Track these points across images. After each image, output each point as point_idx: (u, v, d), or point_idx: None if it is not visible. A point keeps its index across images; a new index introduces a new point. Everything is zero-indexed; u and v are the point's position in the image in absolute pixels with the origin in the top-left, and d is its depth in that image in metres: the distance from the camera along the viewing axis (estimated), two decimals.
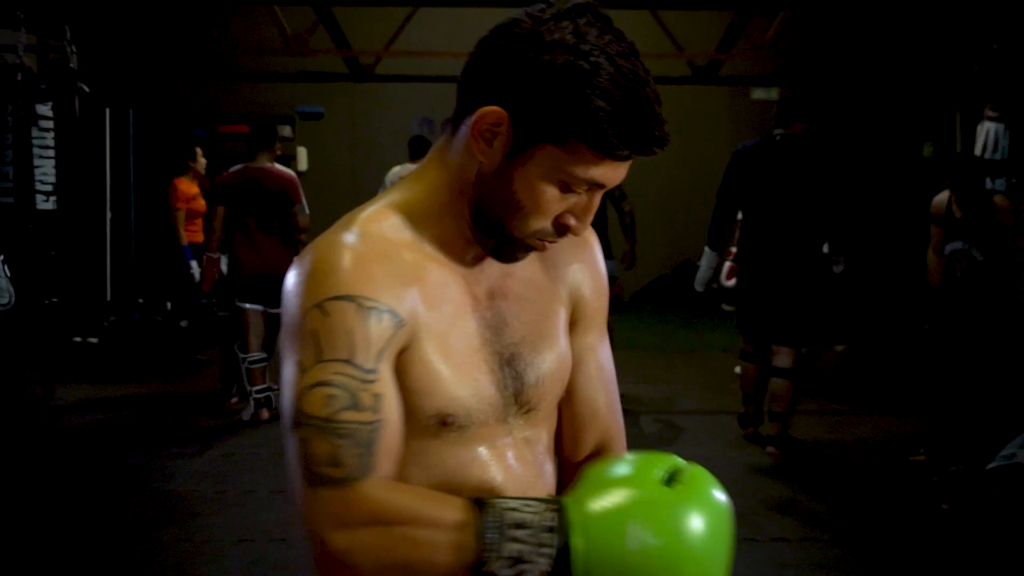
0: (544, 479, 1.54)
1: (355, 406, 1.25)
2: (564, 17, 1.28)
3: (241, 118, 12.20)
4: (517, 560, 1.18)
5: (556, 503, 1.23)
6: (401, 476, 1.34)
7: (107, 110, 10.66)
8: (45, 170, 7.50)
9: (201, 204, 8.91)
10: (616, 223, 7.70)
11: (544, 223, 1.35)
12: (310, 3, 11.91)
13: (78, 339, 10.30)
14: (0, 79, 8.13)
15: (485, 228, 1.39)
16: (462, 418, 1.36)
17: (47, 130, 7.50)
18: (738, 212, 6.73)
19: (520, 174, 1.32)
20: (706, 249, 6.87)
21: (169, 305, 9.95)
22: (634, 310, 12.63)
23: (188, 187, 9.04)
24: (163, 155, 11.20)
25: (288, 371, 1.29)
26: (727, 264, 8.36)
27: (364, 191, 12.24)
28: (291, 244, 7.11)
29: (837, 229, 6.77)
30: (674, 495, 1.21)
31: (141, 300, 11.11)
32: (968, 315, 5.91)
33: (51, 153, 7.52)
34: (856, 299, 10.63)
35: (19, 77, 7.54)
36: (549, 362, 1.47)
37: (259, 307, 7.12)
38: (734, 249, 7.34)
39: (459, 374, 1.37)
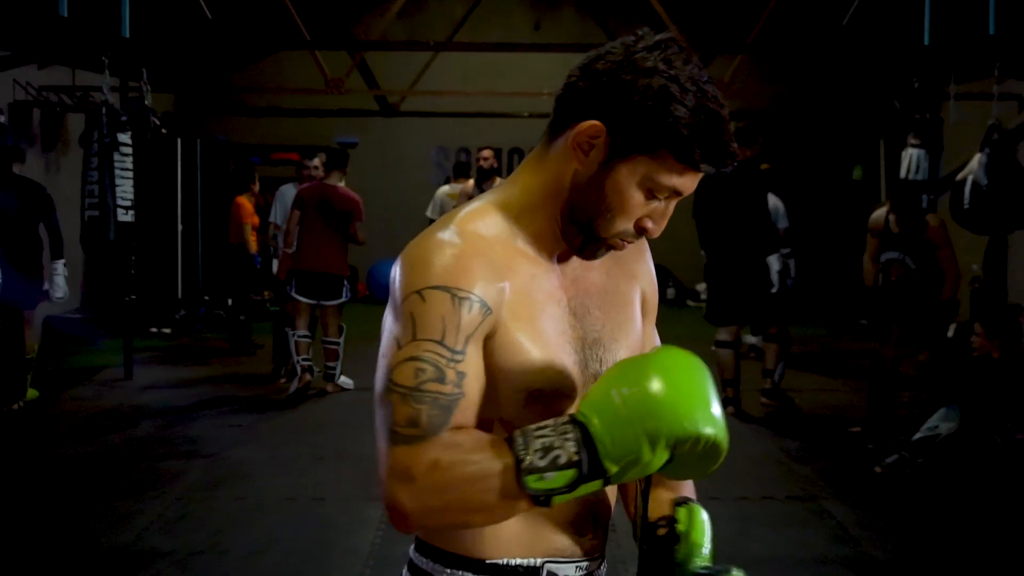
0: None
1: (440, 379, 1.22)
2: (654, 48, 1.27)
3: (290, 147, 12.19)
4: (547, 448, 1.13)
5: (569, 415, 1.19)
6: None
7: (178, 139, 10.68)
8: (125, 189, 7.49)
9: (256, 219, 8.85)
10: None
11: (627, 225, 1.32)
12: (346, 50, 11.97)
13: (154, 329, 10.31)
14: (89, 113, 8.36)
15: (575, 227, 1.35)
16: (548, 392, 1.32)
17: (126, 155, 7.49)
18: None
19: (612, 180, 1.29)
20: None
21: (230, 301, 9.85)
22: None
23: (249, 205, 8.94)
24: (224, 177, 11.23)
25: (386, 344, 1.26)
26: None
27: (391, 204, 12.46)
28: (345, 251, 7.20)
29: (783, 240, 6.87)
30: (643, 359, 1.19)
31: (206, 297, 11.16)
32: (901, 312, 5.88)
33: (130, 175, 7.52)
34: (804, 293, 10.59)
35: (104, 111, 7.52)
36: (625, 348, 1.44)
37: (311, 301, 7.10)
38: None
39: (547, 354, 1.32)
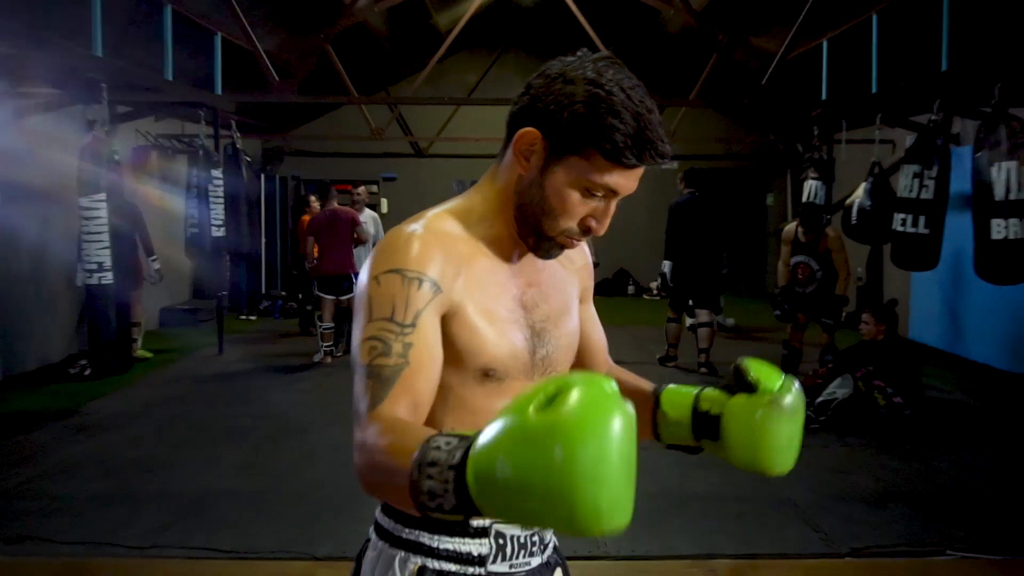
0: None
1: (387, 353, 1.02)
2: (588, 61, 1.08)
3: (345, 181, 12.02)
4: (432, 495, 0.82)
5: (468, 441, 0.82)
6: (453, 419, 1.13)
7: (262, 174, 10.58)
8: (216, 212, 7.35)
9: None
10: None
11: (570, 223, 1.12)
12: (387, 106, 11.89)
13: (242, 317, 10.15)
14: (191, 155, 8.23)
15: (526, 229, 1.15)
16: (500, 372, 1.13)
17: (218, 187, 7.37)
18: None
19: (550, 182, 1.10)
20: (665, 260, 6.99)
21: (300, 296, 9.71)
22: None
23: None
24: (294, 203, 11.25)
25: (353, 331, 1.08)
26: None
27: None
28: (351, 254, 7.25)
29: (726, 248, 7.06)
30: (541, 419, 0.74)
31: (283, 292, 11.04)
32: (807, 304, 5.73)
33: (220, 201, 7.40)
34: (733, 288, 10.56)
35: (201, 153, 7.40)
36: (566, 336, 1.24)
37: (331, 297, 7.19)
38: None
39: (500, 337, 1.12)
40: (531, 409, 0.75)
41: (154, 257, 7.25)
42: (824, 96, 7.25)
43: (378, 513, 1.22)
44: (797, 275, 5.71)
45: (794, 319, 5.96)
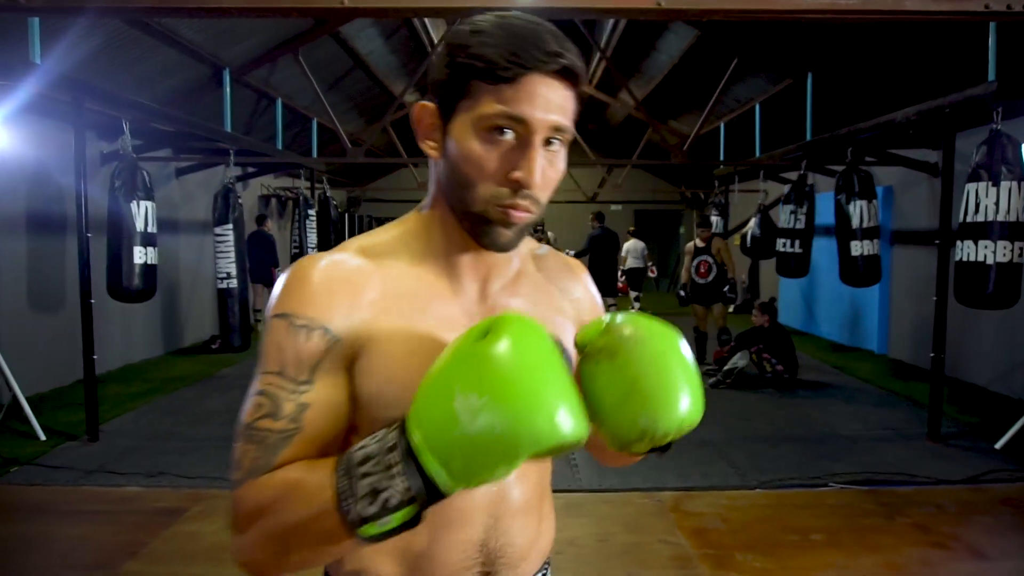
0: (541, 491, 0.70)
1: (274, 415, 0.56)
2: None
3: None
4: (374, 492, 0.47)
5: (398, 421, 0.49)
6: None
7: (346, 215, 10.25)
8: (312, 240, 7.05)
9: None
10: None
11: (491, 185, 0.58)
12: (428, 166, 11.44)
13: None
14: (295, 201, 7.87)
15: (461, 219, 0.61)
16: None
17: (311, 222, 7.06)
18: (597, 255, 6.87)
19: (454, 146, 0.59)
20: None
21: None
22: None
23: None
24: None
25: None
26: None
27: None
28: None
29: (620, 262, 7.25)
30: (486, 342, 0.47)
31: None
32: (708, 291, 5.29)
33: (314, 231, 7.07)
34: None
35: (302, 199, 7.08)
36: None
37: None
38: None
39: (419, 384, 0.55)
40: (469, 343, 0.48)
41: (280, 268, 7.01)
42: (722, 158, 6.88)
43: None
44: (700, 270, 5.30)
45: (696, 310, 5.45)
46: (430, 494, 0.47)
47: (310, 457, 0.55)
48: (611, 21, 6.61)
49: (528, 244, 0.71)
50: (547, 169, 0.58)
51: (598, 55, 7.50)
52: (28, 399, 3.60)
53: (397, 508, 0.47)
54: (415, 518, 0.48)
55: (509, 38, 0.55)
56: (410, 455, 0.47)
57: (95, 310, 3.51)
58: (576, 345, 0.59)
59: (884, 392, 4.56)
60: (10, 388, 3.53)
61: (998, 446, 3.28)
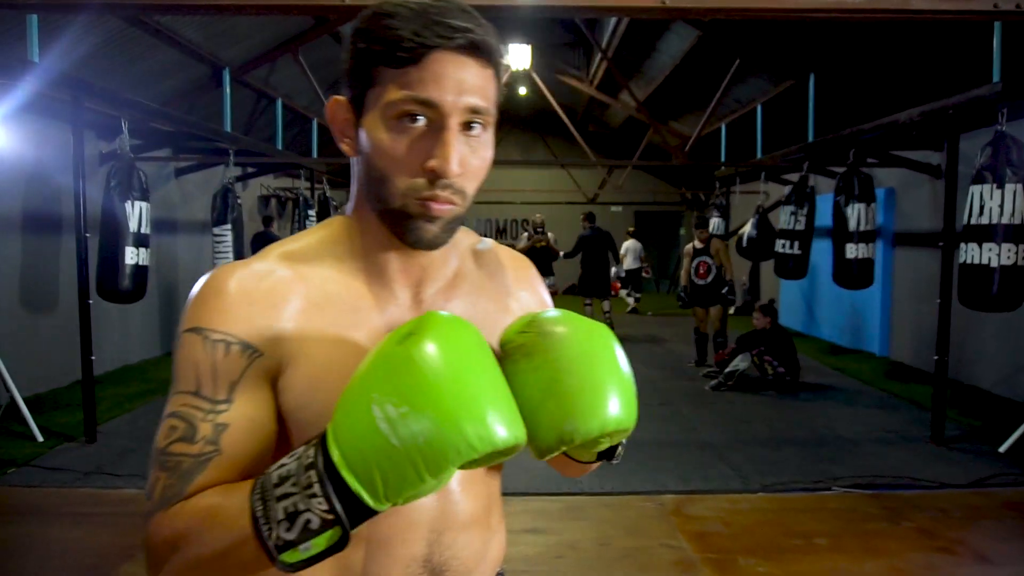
0: (489, 502, 0.63)
1: (189, 438, 0.50)
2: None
3: None
4: (292, 515, 0.42)
5: (317, 437, 0.45)
6: None
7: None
8: None
9: None
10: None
11: (406, 177, 0.52)
12: None
13: None
14: (294, 201, 7.85)
15: (382, 218, 0.55)
16: None
17: (312, 222, 7.06)
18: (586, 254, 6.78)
19: (366, 138, 0.53)
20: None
21: None
22: None
23: None
24: None
25: None
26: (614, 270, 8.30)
27: None
28: None
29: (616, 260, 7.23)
30: (409, 343, 0.43)
31: None
32: (706, 292, 5.27)
33: None
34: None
35: (301, 199, 7.07)
36: None
37: None
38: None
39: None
40: (390, 347, 0.44)
41: None
42: (723, 159, 6.86)
43: None
44: (699, 270, 5.28)
45: (697, 312, 5.43)
46: (354, 514, 0.42)
47: (231, 481, 0.50)
48: (612, 21, 6.59)
49: (469, 239, 0.65)
50: (468, 156, 0.52)
51: (599, 56, 7.49)
52: (25, 400, 3.57)
53: (319, 532, 0.42)
54: (341, 540, 0.43)
55: (412, 17, 0.50)
56: (329, 473, 0.42)
57: (93, 311, 3.49)
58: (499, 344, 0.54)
59: (885, 394, 4.54)
60: (7, 389, 3.51)
61: (1002, 449, 3.26)
